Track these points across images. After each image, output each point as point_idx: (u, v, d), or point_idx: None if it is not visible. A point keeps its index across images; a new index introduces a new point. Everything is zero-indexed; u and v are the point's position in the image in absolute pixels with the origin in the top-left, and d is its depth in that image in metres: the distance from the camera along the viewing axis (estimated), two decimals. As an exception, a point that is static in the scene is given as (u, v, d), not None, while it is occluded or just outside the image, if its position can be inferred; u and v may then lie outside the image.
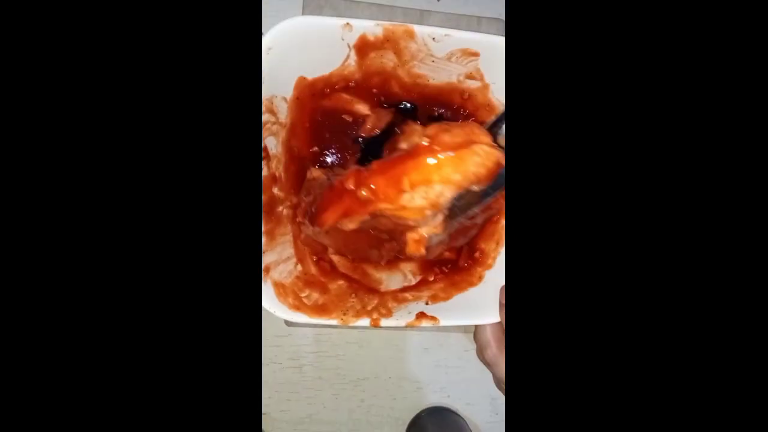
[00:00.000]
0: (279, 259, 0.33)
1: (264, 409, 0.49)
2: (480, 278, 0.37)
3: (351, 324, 0.32)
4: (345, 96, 0.34)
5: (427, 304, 0.35)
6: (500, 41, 0.33)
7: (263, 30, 0.30)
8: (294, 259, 0.35)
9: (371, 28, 0.32)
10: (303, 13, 0.46)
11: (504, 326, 0.33)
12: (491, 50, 0.33)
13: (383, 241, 0.35)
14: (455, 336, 0.51)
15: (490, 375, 0.34)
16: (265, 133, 0.32)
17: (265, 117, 0.32)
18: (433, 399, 0.51)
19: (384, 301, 0.35)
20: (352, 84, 0.34)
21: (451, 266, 0.38)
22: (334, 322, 0.32)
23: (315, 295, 0.34)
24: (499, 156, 0.30)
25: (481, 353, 0.34)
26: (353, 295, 0.35)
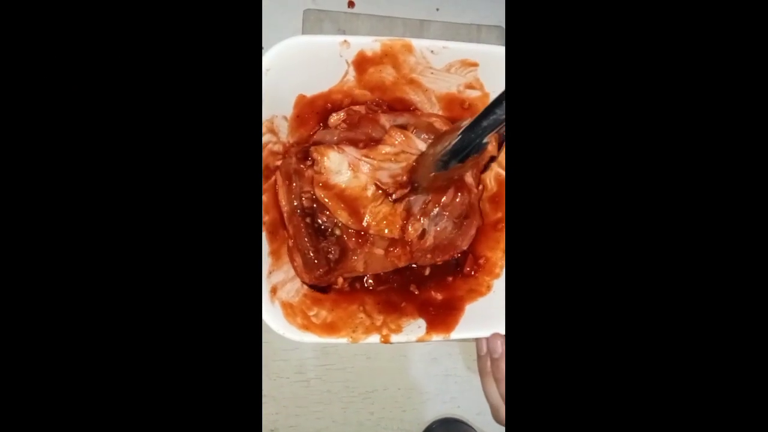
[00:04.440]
0: (286, 278, 0.33)
1: (272, 426, 0.48)
2: (488, 288, 0.37)
3: (361, 341, 0.32)
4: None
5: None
6: (499, 50, 0.33)
7: (266, 48, 0.30)
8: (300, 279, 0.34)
9: (369, 44, 0.32)
10: (303, 26, 0.46)
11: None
12: (490, 59, 0.33)
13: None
14: (464, 345, 0.50)
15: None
16: (266, 153, 0.32)
17: (266, 137, 0.32)
18: (444, 410, 0.50)
19: (394, 317, 0.35)
20: (348, 100, 0.34)
21: (458, 273, 0.38)
22: (344, 341, 0.32)
23: (323, 313, 0.33)
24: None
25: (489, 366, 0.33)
26: (361, 308, 0.35)
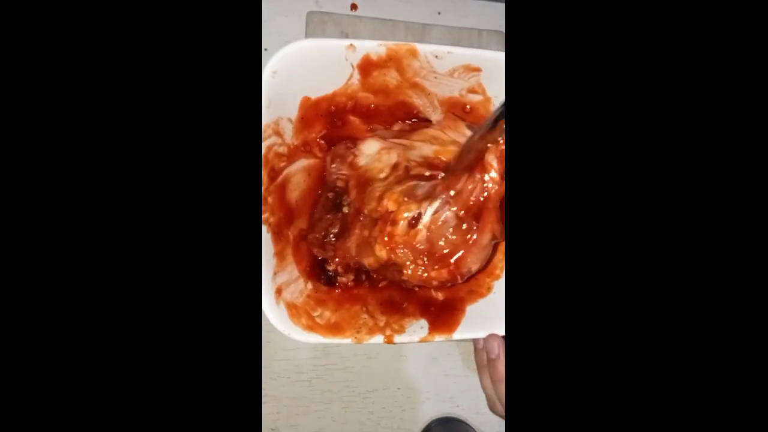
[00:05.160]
0: (290, 279, 0.34)
1: (273, 425, 0.49)
2: (489, 289, 0.37)
3: (365, 342, 0.33)
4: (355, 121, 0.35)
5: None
6: (502, 57, 0.33)
7: (270, 51, 0.30)
8: (303, 277, 0.35)
9: (374, 48, 0.32)
10: (306, 29, 0.46)
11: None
12: (493, 65, 0.34)
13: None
14: (463, 345, 0.51)
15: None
16: (271, 155, 0.33)
17: (272, 139, 0.32)
18: (443, 409, 0.51)
19: (396, 317, 0.35)
20: (352, 103, 0.35)
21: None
22: (348, 341, 0.32)
23: (327, 314, 0.34)
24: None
25: (492, 369, 0.34)
26: (365, 309, 0.35)
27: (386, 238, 0.29)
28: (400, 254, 0.29)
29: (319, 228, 0.34)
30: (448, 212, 0.29)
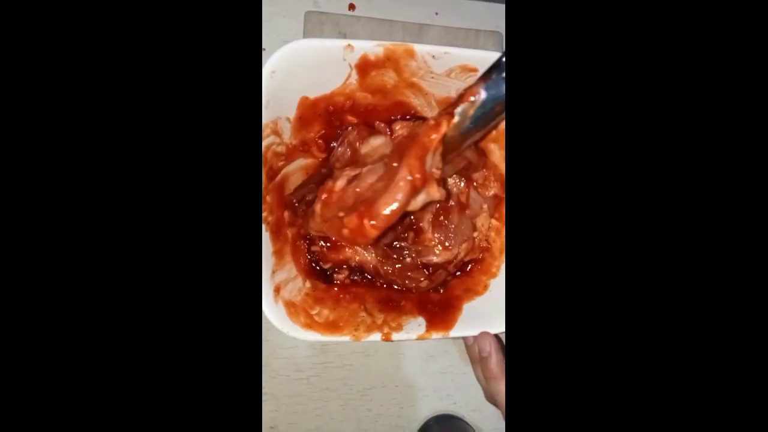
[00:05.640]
0: (288, 277, 0.34)
1: (271, 422, 0.49)
2: (485, 287, 0.37)
3: (363, 339, 0.33)
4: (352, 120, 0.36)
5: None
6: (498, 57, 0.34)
7: (269, 50, 0.31)
8: (302, 276, 0.35)
9: (372, 48, 0.32)
10: (304, 29, 0.47)
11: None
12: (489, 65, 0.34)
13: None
14: (460, 342, 0.51)
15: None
16: (270, 154, 0.33)
17: (270, 139, 0.33)
18: (440, 406, 0.51)
19: (394, 315, 0.36)
20: (350, 103, 0.35)
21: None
22: (346, 339, 0.33)
23: (325, 312, 0.34)
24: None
25: (485, 364, 0.34)
26: (363, 307, 0.36)
27: (324, 195, 0.29)
28: (331, 209, 0.28)
29: (298, 193, 0.35)
30: (380, 163, 0.28)
